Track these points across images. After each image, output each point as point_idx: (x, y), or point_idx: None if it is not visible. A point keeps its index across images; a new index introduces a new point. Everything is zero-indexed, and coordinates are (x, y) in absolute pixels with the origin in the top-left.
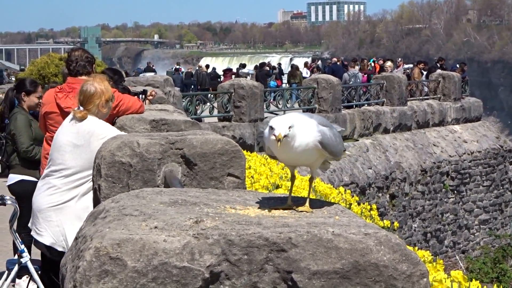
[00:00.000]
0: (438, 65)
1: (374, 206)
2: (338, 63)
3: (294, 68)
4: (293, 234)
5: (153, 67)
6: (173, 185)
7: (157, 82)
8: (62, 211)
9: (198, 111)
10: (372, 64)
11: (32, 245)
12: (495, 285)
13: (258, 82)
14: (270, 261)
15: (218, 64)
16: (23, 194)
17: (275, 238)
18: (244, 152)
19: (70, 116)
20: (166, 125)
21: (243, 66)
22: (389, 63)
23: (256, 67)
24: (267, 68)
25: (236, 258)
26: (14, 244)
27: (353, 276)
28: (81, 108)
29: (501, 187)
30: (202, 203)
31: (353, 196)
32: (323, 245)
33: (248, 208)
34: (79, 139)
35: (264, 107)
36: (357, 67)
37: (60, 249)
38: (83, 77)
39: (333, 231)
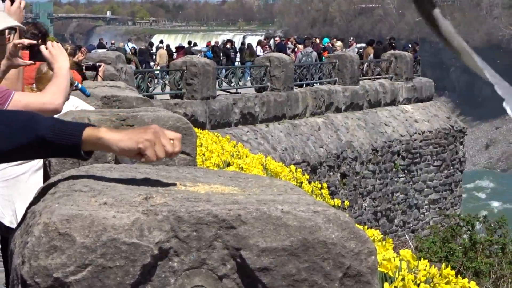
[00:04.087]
0: (392, 45)
1: (325, 185)
2: (284, 42)
3: (251, 47)
4: (243, 211)
5: (106, 44)
6: (123, 162)
7: (109, 58)
8: (13, 185)
9: (150, 88)
10: (317, 41)
11: None
12: (444, 264)
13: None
14: (219, 238)
15: (171, 41)
16: None
17: (225, 215)
18: (196, 129)
19: None
20: (117, 102)
21: (195, 44)
22: (339, 43)
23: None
24: (228, 46)
25: (185, 235)
26: None
27: (301, 253)
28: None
29: (451, 167)
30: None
31: (304, 175)
32: (272, 222)
33: (198, 185)
34: None
35: (217, 85)
36: (301, 46)
37: (8, 224)
38: (25, 51)
39: (282, 209)
